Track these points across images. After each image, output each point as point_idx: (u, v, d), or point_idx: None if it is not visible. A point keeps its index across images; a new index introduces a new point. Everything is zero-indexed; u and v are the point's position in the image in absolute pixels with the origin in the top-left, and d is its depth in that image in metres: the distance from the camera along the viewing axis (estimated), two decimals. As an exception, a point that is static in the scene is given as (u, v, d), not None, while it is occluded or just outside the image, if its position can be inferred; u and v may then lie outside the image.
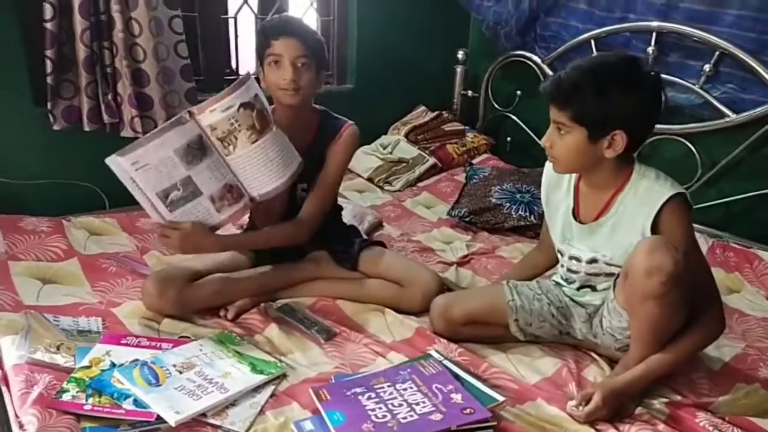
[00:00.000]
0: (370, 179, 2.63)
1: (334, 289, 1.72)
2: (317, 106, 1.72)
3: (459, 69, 2.99)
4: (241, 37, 2.61)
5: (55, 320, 1.47)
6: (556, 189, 1.52)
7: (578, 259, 1.47)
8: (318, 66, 1.62)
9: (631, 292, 1.30)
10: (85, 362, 1.31)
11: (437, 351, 1.46)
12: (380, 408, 1.22)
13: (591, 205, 1.44)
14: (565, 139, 1.34)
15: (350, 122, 1.71)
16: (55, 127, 2.15)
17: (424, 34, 2.96)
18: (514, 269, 1.78)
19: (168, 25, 2.22)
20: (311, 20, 2.78)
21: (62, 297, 1.63)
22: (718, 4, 2.15)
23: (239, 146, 1.44)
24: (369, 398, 1.25)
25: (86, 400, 1.20)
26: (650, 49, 2.30)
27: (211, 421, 1.20)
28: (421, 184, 2.67)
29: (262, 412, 1.24)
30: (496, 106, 2.99)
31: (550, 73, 2.62)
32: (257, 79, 1.52)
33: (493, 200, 2.31)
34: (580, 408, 1.26)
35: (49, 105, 2.11)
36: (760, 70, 2.06)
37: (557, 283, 1.58)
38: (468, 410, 1.21)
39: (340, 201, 1.86)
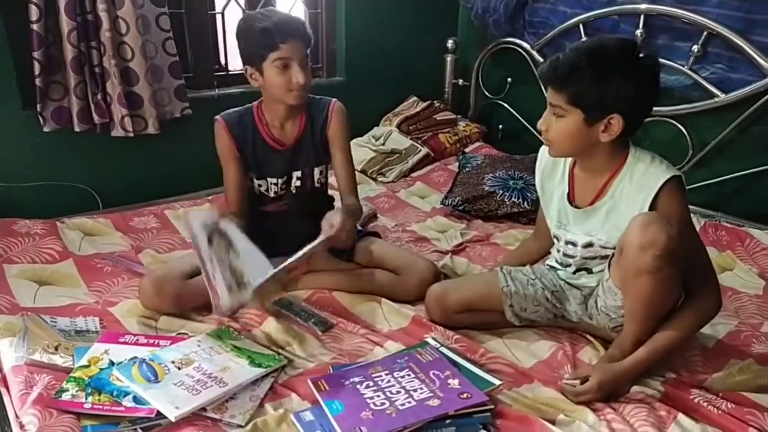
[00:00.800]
0: (363, 171, 2.63)
1: (330, 280, 1.73)
2: None
3: (449, 58, 2.99)
4: (229, 32, 2.60)
5: (52, 321, 1.48)
6: (551, 176, 1.52)
7: (574, 244, 1.47)
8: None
9: (625, 267, 1.30)
10: (83, 361, 1.32)
11: (434, 338, 1.47)
12: (378, 396, 1.23)
13: (586, 189, 1.44)
14: (561, 122, 1.34)
15: (333, 99, 1.76)
16: (46, 129, 2.14)
17: (413, 24, 2.95)
18: (509, 257, 1.79)
19: (155, 22, 2.21)
20: (299, 13, 2.77)
21: (59, 298, 1.64)
22: (706, -15, 2.14)
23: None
24: (367, 387, 1.26)
25: (86, 399, 1.21)
26: (638, 32, 2.30)
27: (211, 415, 1.21)
28: (414, 175, 2.67)
29: (261, 404, 1.26)
30: (487, 94, 2.99)
31: (540, 59, 2.62)
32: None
33: (486, 188, 2.31)
34: (576, 386, 1.27)
35: (38, 107, 2.10)
36: (748, 50, 2.07)
37: (552, 267, 1.58)
38: (465, 395, 1.22)
39: (333, 192, 1.87)
